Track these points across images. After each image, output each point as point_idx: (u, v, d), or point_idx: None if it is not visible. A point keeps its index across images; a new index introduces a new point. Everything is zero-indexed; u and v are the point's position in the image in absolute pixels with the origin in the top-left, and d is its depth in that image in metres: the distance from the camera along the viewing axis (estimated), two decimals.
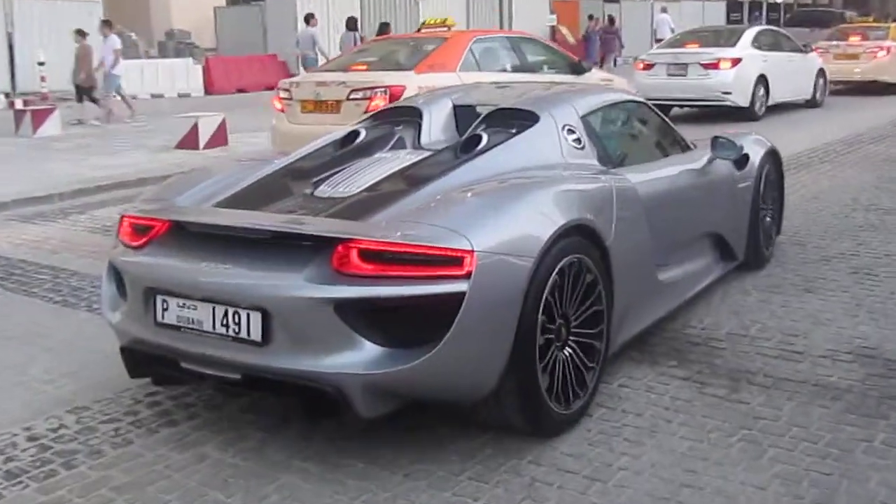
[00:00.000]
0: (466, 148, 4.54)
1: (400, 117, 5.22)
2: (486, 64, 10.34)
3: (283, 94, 10.06)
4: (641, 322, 4.71)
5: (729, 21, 38.31)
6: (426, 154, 4.72)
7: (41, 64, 20.02)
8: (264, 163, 4.80)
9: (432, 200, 3.87)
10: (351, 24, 19.61)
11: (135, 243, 4.05)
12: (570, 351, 3.93)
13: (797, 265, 6.42)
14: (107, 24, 18.67)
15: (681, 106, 16.51)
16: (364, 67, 10.20)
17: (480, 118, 4.88)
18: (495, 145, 4.51)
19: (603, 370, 4.21)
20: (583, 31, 32.36)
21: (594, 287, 4.01)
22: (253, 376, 3.64)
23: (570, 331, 3.94)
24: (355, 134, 5.04)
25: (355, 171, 4.45)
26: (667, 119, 6.04)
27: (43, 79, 20.19)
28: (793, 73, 17.58)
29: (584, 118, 4.90)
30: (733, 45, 16.58)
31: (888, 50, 21.25)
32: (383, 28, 20.27)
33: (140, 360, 4.00)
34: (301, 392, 3.59)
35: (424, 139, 4.99)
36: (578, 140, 4.73)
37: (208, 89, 23.41)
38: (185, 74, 22.93)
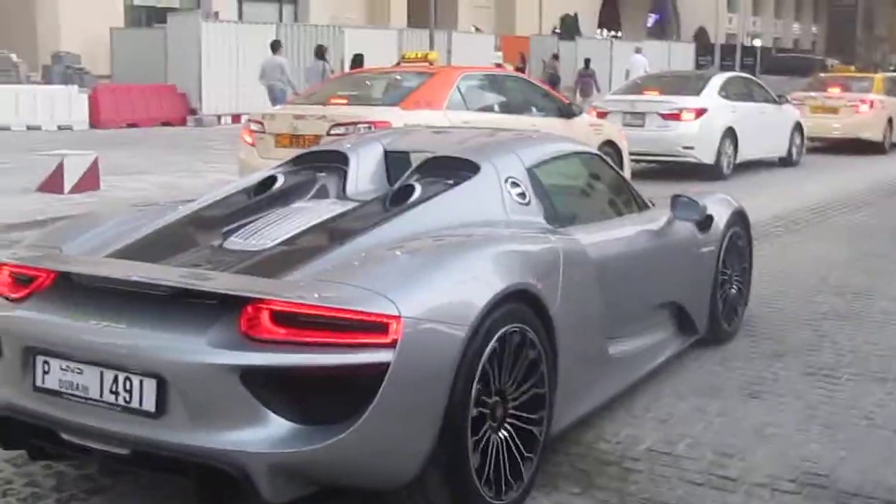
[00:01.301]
0: (397, 200, 4.53)
1: (324, 162, 5.19)
2: (474, 102, 10.99)
3: (254, 127, 10.77)
4: (587, 403, 4.69)
5: (697, 66, 38.69)
6: (352, 205, 4.70)
7: None
8: (166, 209, 4.78)
9: (356, 258, 3.84)
10: (319, 52, 19.72)
11: (14, 295, 3.95)
12: (506, 434, 3.87)
13: (744, 362, 6.07)
14: None
15: (637, 161, 16.29)
16: (344, 101, 10.74)
17: (414, 167, 4.90)
18: (430, 197, 4.50)
19: (541, 461, 4.13)
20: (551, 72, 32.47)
21: (536, 365, 3.99)
22: (144, 452, 3.51)
23: (507, 411, 3.89)
24: (272, 179, 5.00)
25: (271, 222, 4.40)
26: (623, 174, 6.10)
27: None
28: (766, 127, 17.57)
29: (530, 170, 4.90)
30: (698, 93, 16.46)
31: (871, 104, 21.22)
32: (357, 60, 20.42)
33: (15, 429, 3.83)
34: (198, 471, 3.45)
35: (350, 188, 4.95)
36: (523, 194, 4.74)
37: (94, 122, 22.86)
38: (67, 104, 22.34)
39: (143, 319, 3.59)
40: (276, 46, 20.31)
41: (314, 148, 6.14)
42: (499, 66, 32.47)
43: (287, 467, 3.40)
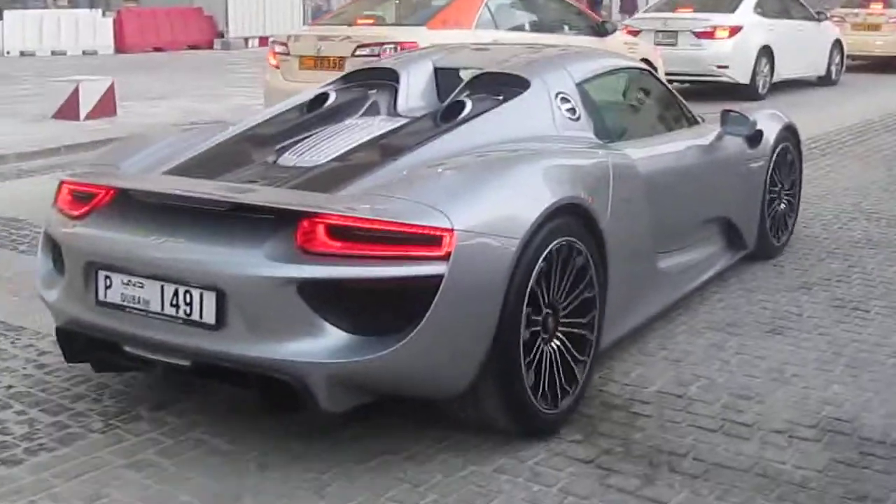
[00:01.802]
0: (448, 116, 4.53)
1: (374, 80, 5.18)
2: (503, 21, 10.59)
3: (278, 49, 10.30)
4: (638, 315, 4.75)
5: None
6: (403, 121, 4.69)
7: None
8: (218, 128, 4.81)
9: (409, 173, 3.86)
10: None
11: (75, 212, 3.98)
12: (558, 343, 3.90)
13: (769, 294, 5.71)
14: None
15: (670, 81, 15.70)
16: (371, 21, 10.46)
17: (464, 83, 4.87)
18: (480, 114, 4.49)
19: (594, 365, 4.17)
20: None
21: (587, 278, 4.00)
22: (205, 363, 3.61)
23: (559, 321, 3.91)
24: (324, 97, 5.00)
25: (323, 139, 4.41)
26: (672, 89, 5.99)
27: None
28: (803, 46, 17.01)
29: (580, 86, 4.90)
30: (733, 10, 15.89)
31: None
32: None
33: (79, 343, 3.95)
34: (258, 382, 3.56)
35: (401, 105, 4.93)
36: (573, 110, 4.74)
37: (119, 47, 22.57)
38: (91, 29, 21.99)
39: (202, 234, 3.62)
40: None
41: (365, 65, 6.05)
42: None
43: (344, 377, 3.47)
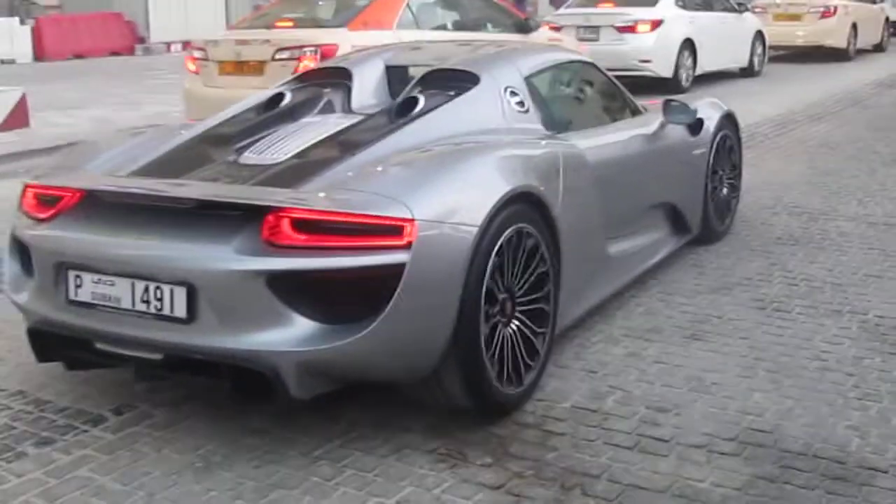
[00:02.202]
0: (401, 112, 4.65)
1: (328, 79, 5.30)
2: (426, 21, 10.50)
3: (197, 54, 10.09)
4: (591, 299, 4.91)
5: None
6: (358, 118, 4.81)
7: None
8: (180, 129, 4.90)
9: (368, 167, 3.95)
10: None
11: (42, 215, 4.04)
12: (518, 323, 4.03)
13: (689, 296, 5.53)
14: None
15: None
16: (290, 24, 10.25)
17: (415, 80, 4.98)
18: (433, 109, 4.61)
19: (552, 339, 4.32)
20: None
21: (540, 258, 4.12)
22: (177, 356, 3.67)
23: (516, 306, 4.03)
24: (280, 97, 5.10)
25: (282, 137, 4.52)
26: (616, 81, 6.09)
27: None
28: (725, 38, 16.96)
29: (527, 79, 5.05)
30: (653, 3, 15.72)
31: (835, 10, 20.47)
32: None
33: (49, 342, 4.01)
34: (230, 372, 3.63)
35: (355, 103, 5.06)
36: (522, 103, 4.88)
37: (39, 55, 21.95)
38: (8, 37, 21.37)
39: (170, 232, 3.69)
40: None
41: (318, 65, 6.22)
42: None
43: (313, 364, 3.56)
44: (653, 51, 14.88)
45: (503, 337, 3.92)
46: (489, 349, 3.80)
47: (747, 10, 18.47)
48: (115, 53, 22.71)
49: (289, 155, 4.28)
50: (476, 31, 11.04)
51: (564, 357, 4.64)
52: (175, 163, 4.34)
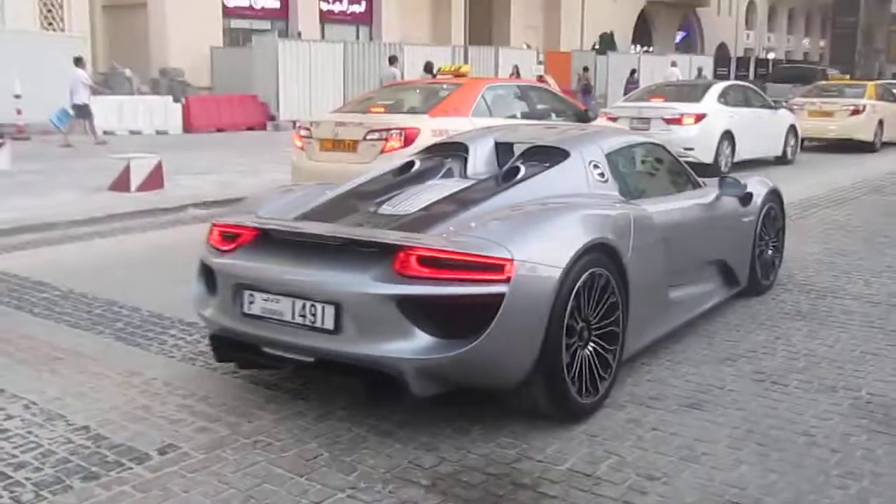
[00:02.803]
0: (506, 178, 4.93)
1: (449, 151, 5.56)
2: (498, 110, 10.24)
3: (303, 133, 9.99)
4: (653, 333, 5.04)
5: (716, 75, 36.98)
6: (472, 182, 5.10)
7: (17, 97, 18.99)
8: (332, 186, 5.16)
9: (479, 218, 4.23)
10: (391, 60, 20.96)
11: (225, 248, 4.43)
12: (591, 350, 4.24)
13: (695, 365, 5.08)
14: (77, 59, 18.59)
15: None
16: (382, 110, 10.11)
17: (518, 153, 5.27)
18: (531, 176, 4.88)
19: (620, 362, 4.54)
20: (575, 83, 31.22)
21: (613, 297, 4.34)
22: (325, 360, 3.99)
23: (591, 333, 4.25)
24: (411, 164, 5.40)
25: (412, 195, 4.80)
26: (680, 160, 6.21)
27: (19, 112, 19.20)
28: (761, 130, 16.31)
29: (608, 156, 5.25)
30: (698, 100, 15.30)
31: (864, 108, 19.86)
32: (427, 66, 20.62)
33: (227, 346, 4.38)
34: (366, 374, 3.92)
35: (470, 170, 5.33)
36: (602, 174, 5.09)
37: (187, 127, 22.27)
38: (163, 112, 21.77)
39: (323, 262, 4.04)
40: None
41: (442, 140, 6.34)
42: (540, 77, 31.49)
43: (429, 370, 3.82)
44: (696, 140, 14.33)
45: (580, 357, 4.15)
46: (569, 366, 4.05)
47: (782, 107, 17.91)
48: (250, 128, 22.93)
49: (417, 208, 4.56)
50: (541, 119, 10.73)
51: (571, 421, 4.24)
52: (329, 210, 4.67)
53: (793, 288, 6.94)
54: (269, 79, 23.63)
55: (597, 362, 4.25)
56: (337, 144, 9.62)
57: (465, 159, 5.40)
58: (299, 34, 30.39)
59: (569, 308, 4.00)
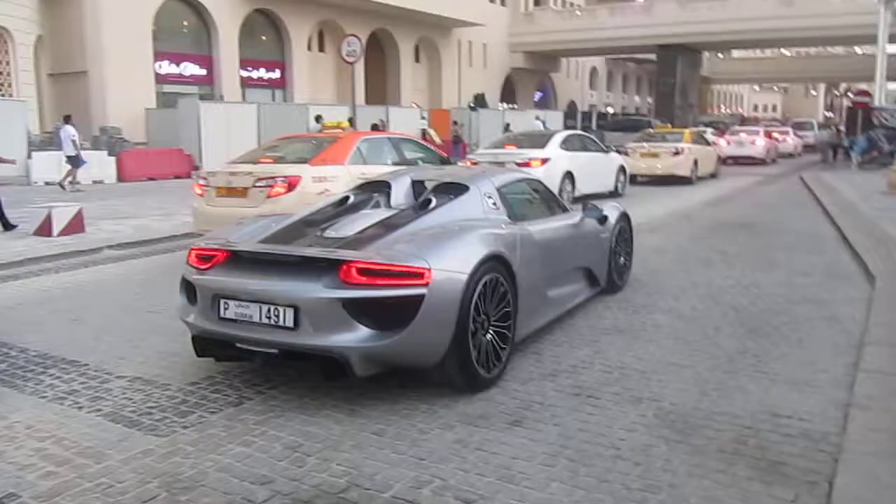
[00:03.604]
0: (422, 207, 5.14)
1: (376, 188, 5.73)
2: (371, 158, 9.81)
3: (202, 181, 9.37)
4: (537, 322, 5.33)
5: (566, 126, 37.36)
6: (395, 211, 5.27)
7: None
8: (286, 216, 5.33)
9: (404, 238, 4.46)
10: (317, 119, 20.65)
11: (203, 266, 4.56)
12: (490, 336, 4.47)
13: (522, 382, 4.64)
14: (66, 117, 18.76)
15: None
16: (270, 160, 9.46)
17: (430, 188, 5.52)
18: (441, 205, 5.10)
19: (512, 350, 4.76)
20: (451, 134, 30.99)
21: (506, 295, 4.59)
22: (287, 351, 4.11)
23: (491, 323, 4.47)
24: (346, 198, 5.58)
25: (349, 221, 4.99)
26: (552, 191, 6.68)
27: None
28: (597, 170, 16.39)
29: (498, 189, 5.53)
30: (543, 146, 15.21)
31: (682, 150, 20.38)
32: (318, 119, 20.62)
33: (207, 344, 4.45)
34: (320, 360, 4.06)
35: (393, 202, 5.51)
36: (495, 203, 5.36)
37: (122, 177, 21.03)
38: (99, 164, 20.48)
39: (283, 275, 4.19)
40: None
41: (370, 179, 6.31)
42: (424, 131, 31.21)
43: (369, 355, 4.03)
44: (542, 179, 13.96)
45: (483, 342, 4.39)
46: (475, 348, 4.27)
47: (613, 150, 18.05)
48: (177, 177, 21.81)
49: (354, 231, 4.75)
50: (411, 164, 10.26)
51: (403, 443, 3.74)
52: (285, 235, 4.81)
53: (613, 305, 6.61)
54: (192, 134, 22.56)
55: (495, 346, 4.49)
56: (230, 191, 8.97)
57: (389, 193, 5.55)
58: (221, 97, 29.40)
59: (473, 304, 4.21)
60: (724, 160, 28.35)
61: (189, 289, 4.62)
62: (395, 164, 10.18)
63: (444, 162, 10.83)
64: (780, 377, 4.69)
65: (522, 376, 4.73)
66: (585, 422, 4.01)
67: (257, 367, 4.74)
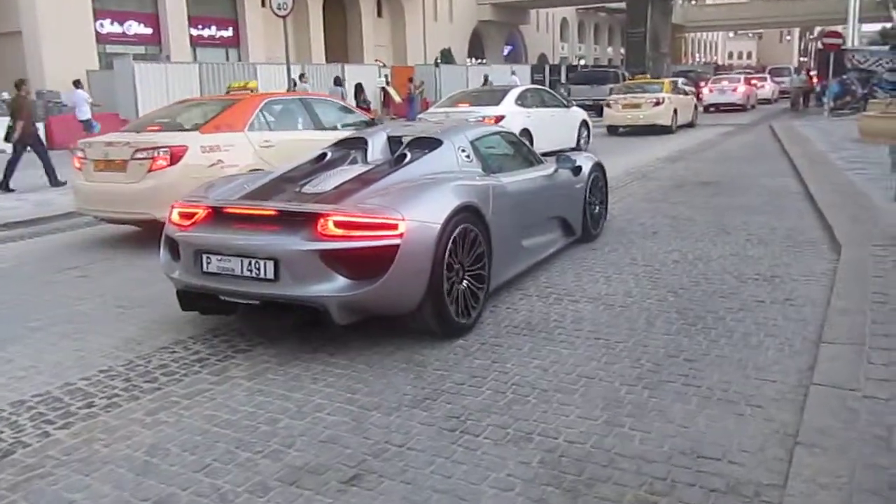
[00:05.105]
0: (397, 162, 5.26)
1: (353, 144, 5.75)
2: (278, 124, 8.60)
3: (80, 154, 8.21)
4: (511, 270, 5.45)
5: (533, 80, 35.99)
6: (372, 166, 5.31)
7: None
8: (264, 173, 5.52)
9: (379, 191, 4.53)
10: (301, 78, 20.76)
11: (185, 223, 4.65)
12: (466, 283, 4.59)
13: (386, 412, 3.61)
14: (76, 82, 19.10)
15: None
16: (157, 128, 8.24)
17: (405, 144, 5.54)
18: (415, 160, 5.18)
19: (488, 293, 4.90)
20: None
21: (480, 245, 4.71)
22: (268, 301, 4.22)
23: (465, 271, 4.59)
24: (324, 155, 5.65)
25: (327, 177, 5.03)
26: (526, 143, 6.73)
27: None
28: (556, 126, 15.34)
29: (472, 142, 5.62)
30: (497, 103, 14.14)
31: (663, 101, 20.46)
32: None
33: (192, 298, 4.60)
34: (300, 309, 4.19)
35: (370, 157, 5.54)
36: (469, 156, 5.46)
37: (51, 144, 19.58)
38: None
39: (263, 229, 4.30)
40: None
41: (347, 136, 6.17)
42: (383, 89, 29.82)
43: (347, 304, 4.14)
44: None
45: (458, 289, 4.47)
46: (449, 295, 4.35)
47: (574, 105, 16.97)
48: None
49: (332, 186, 4.77)
50: (326, 129, 9.10)
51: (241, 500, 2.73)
52: (266, 191, 4.85)
53: (533, 293, 5.58)
54: (128, 98, 21.14)
55: (470, 293, 4.59)
56: (108, 164, 7.83)
57: (366, 149, 5.58)
58: (167, 57, 27.79)
59: (447, 253, 4.30)
60: (706, 108, 29.10)
61: (172, 245, 4.72)
62: (307, 129, 9.05)
63: (370, 124, 9.67)
64: (715, 392, 3.71)
65: (391, 401, 3.72)
66: (448, 475, 3.01)
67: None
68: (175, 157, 7.50)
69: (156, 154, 7.53)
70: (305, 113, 9.25)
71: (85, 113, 18.03)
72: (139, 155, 7.60)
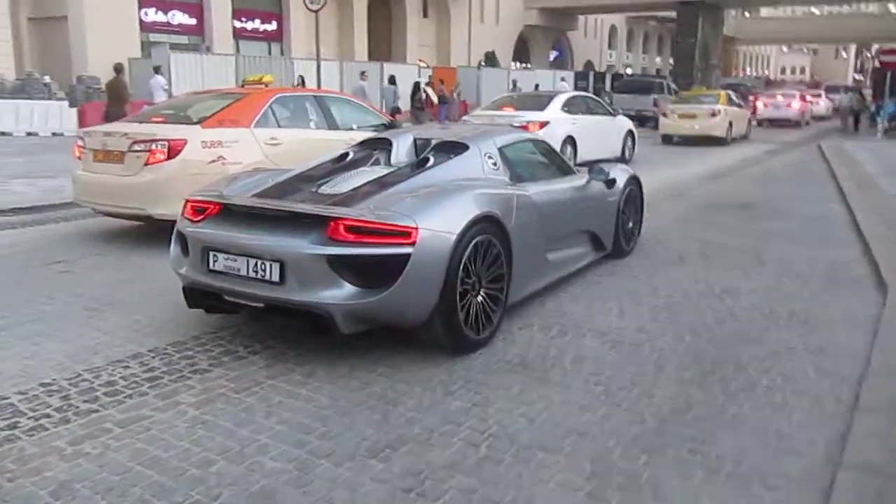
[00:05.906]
0: (419, 165, 5.00)
1: (378, 145, 5.56)
2: (288, 121, 8.13)
3: (80, 143, 7.85)
4: (534, 286, 5.18)
5: (576, 87, 35.26)
6: (393, 168, 5.08)
7: None
8: (284, 170, 5.22)
9: (395, 197, 4.31)
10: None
11: (195, 218, 4.49)
12: (482, 298, 4.35)
13: (338, 459, 3.10)
14: (156, 68, 19.53)
15: None
16: (161, 120, 7.87)
17: (430, 147, 5.34)
18: (438, 164, 4.95)
19: (504, 312, 4.61)
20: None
21: (499, 257, 4.46)
22: (273, 305, 4.07)
23: (482, 285, 4.35)
24: (346, 154, 5.43)
25: (346, 178, 4.82)
26: (558, 152, 6.40)
27: None
28: (601, 134, 14.93)
29: (500, 149, 5.35)
30: (543, 109, 13.76)
31: (718, 112, 20.60)
32: (301, 80, 20.14)
33: (197, 295, 4.44)
34: (304, 315, 3.99)
35: (393, 160, 5.34)
36: (495, 163, 5.20)
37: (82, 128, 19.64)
38: (59, 115, 19.08)
39: (272, 230, 4.12)
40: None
41: (373, 136, 6.02)
42: (417, 84, 29.27)
43: (353, 313, 3.94)
44: None
45: (472, 303, 4.25)
46: (463, 310, 4.15)
47: (620, 114, 16.53)
48: None
49: (349, 189, 4.56)
50: (340, 129, 8.59)
51: None
52: (280, 190, 4.66)
53: (535, 322, 5.02)
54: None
55: (486, 308, 4.38)
56: (107, 155, 7.44)
57: (390, 151, 5.40)
58: (208, 48, 27.67)
59: (462, 265, 4.10)
60: (760, 122, 28.82)
61: (182, 240, 4.59)
62: (319, 128, 8.56)
63: (390, 127, 9.15)
64: (725, 464, 3.13)
65: (345, 448, 3.20)
66: None
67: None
68: (173, 151, 7.08)
69: (153, 147, 7.14)
70: (319, 111, 8.75)
71: (162, 98, 17.95)
72: (136, 147, 7.20)
